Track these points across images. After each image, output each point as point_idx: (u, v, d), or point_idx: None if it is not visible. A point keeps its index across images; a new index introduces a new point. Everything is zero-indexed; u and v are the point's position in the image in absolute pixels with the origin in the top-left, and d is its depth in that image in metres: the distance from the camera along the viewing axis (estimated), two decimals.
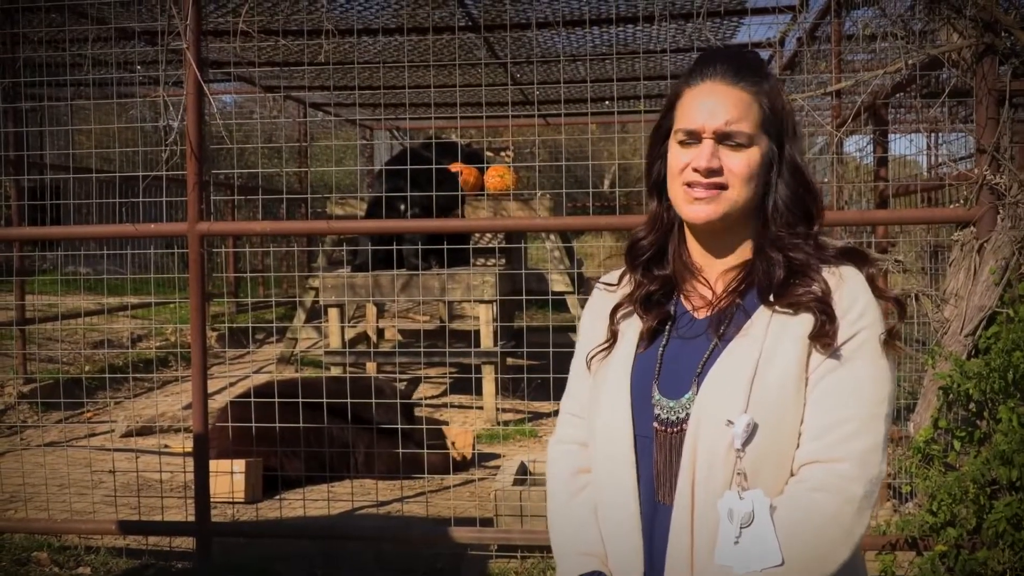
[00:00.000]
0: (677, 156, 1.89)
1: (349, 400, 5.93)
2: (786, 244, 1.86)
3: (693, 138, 1.86)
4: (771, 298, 1.84)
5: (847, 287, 1.82)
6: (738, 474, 1.76)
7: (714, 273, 1.94)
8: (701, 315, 1.92)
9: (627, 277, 2.05)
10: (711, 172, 1.83)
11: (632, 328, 1.97)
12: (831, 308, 1.79)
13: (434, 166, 7.17)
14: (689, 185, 1.86)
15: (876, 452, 1.77)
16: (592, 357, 2.02)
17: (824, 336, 1.78)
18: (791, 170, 1.89)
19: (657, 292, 1.97)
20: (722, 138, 1.84)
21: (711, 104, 1.85)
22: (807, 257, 1.85)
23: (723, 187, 1.85)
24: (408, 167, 7.96)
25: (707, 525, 1.77)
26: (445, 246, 8.43)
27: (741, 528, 1.73)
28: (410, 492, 6.13)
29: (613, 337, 1.99)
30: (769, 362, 1.79)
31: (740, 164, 1.84)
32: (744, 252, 1.92)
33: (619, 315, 2.00)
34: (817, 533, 1.73)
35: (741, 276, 1.90)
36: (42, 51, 8.04)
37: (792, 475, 1.79)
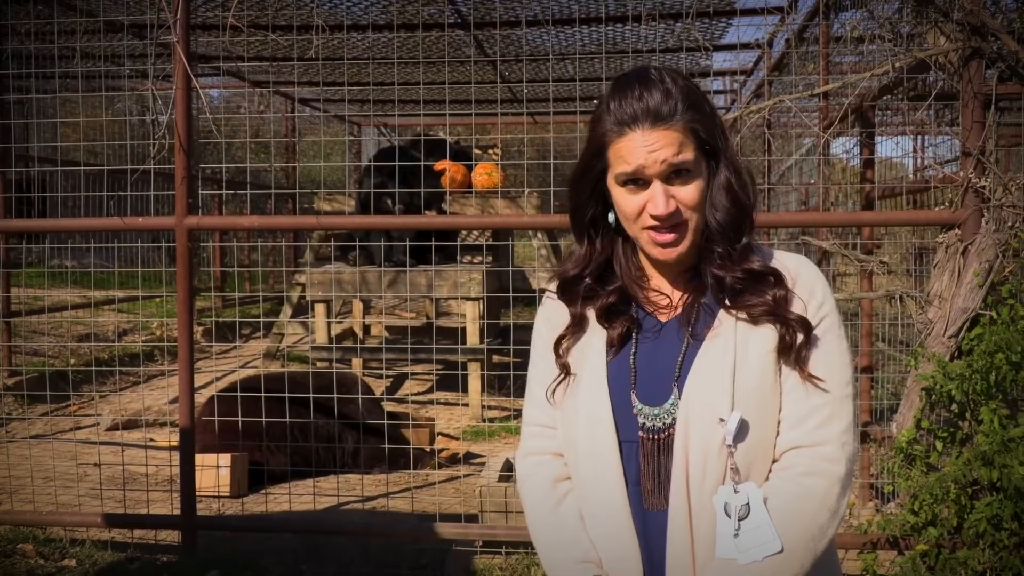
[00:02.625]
0: (627, 200, 1.87)
1: (335, 395, 5.94)
2: (722, 262, 1.89)
3: (638, 180, 1.85)
4: (728, 304, 1.88)
5: (802, 280, 1.90)
6: (731, 469, 1.81)
7: (668, 277, 1.96)
8: (664, 317, 1.94)
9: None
10: (671, 217, 1.84)
11: (592, 342, 1.96)
12: (787, 315, 1.85)
13: (422, 163, 7.16)
14: (651, 228, 1.86)
15: (850, 432, 1.87)
16: (552, 390, 2.01)
17: (787, 349, 1.85)
18: (731, 183, 1.90)
19: (615, 303, 1.97)
20: (668, 174, 1.83)
21: (647, 147, 1.82)
22: (761, 265, 1.90)
23: (684, 223, 1.86)
24: (397, 163, 7.93)
25: (705, 522, 1.82)
26: (433, 243, 8.43)
27: (739, 521, 1.79)
28: (395, 488, 6.14)
29: (564, 370, 1.98)
30: (745, 358, 1.84)
31: (691, 195, 1.85)
32: (694, 258, 1.93)
33: (564, 346, 1.99)
34: (810, 515, 1.80)
35: (695, 274, 1.94)
36: (29, 43, 8.01)
37: (775, 462, 1.86)
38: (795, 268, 1.91)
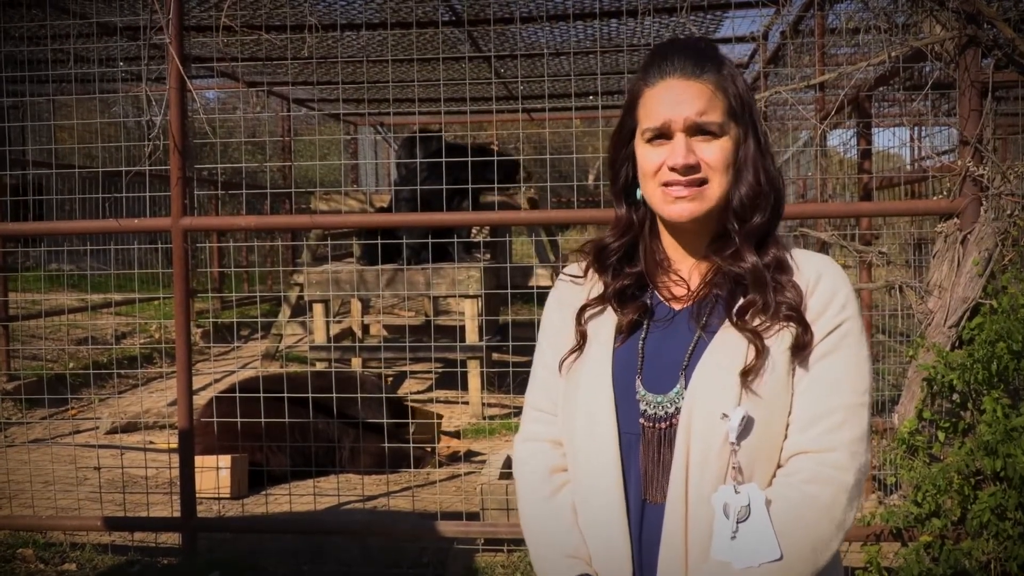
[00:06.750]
0: (648, 156, 1.84)
1: (335, 395, 5.92)
2: (739, 245, 1.84)
3: (662, 135, 1.82)
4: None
5: (825, 280, 1.81)
6: (733, 468, 1.73)
7: (687, 266, 1.91)
8: (679, 306, 1.89)
9: (591, 272, 1.99)
10: (689, 169, 1.79)
11: (606, 323, 1.92)
12: (804, 317, 1.78)
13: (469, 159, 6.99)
14: (667, 184, 1.81)
15: (863, 441, 1.76)
16: (563, 360, 1.96)
17: (801, 347, 1.77)
18: (760, 158, 1.85)
19: (631, 287, 1.93)
20: (694, 131, 1.80)
21: (676, 98, 1.80)
22: (774, 258, 1.83)
23: (703, 182, 1.80)
24: (467, 159, 7.62)
25: (701, 521, 1.74)
26: (455, 239, 8.39)
27: (738, 523, 1.71)
28: (396, 487, 6.13)
29: (582, 338, 1.93)
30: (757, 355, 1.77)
31: (715, 155, 1.80)
32: (711, 232, 1.88)
33: (587, 315, 1.94)
34: (812, 525, 1.71)
35: (716, 268, 1.87)
36: (23, 47, 7.99)
37: (780, 466, 1.77)
38: (817, 271, 1.82)
